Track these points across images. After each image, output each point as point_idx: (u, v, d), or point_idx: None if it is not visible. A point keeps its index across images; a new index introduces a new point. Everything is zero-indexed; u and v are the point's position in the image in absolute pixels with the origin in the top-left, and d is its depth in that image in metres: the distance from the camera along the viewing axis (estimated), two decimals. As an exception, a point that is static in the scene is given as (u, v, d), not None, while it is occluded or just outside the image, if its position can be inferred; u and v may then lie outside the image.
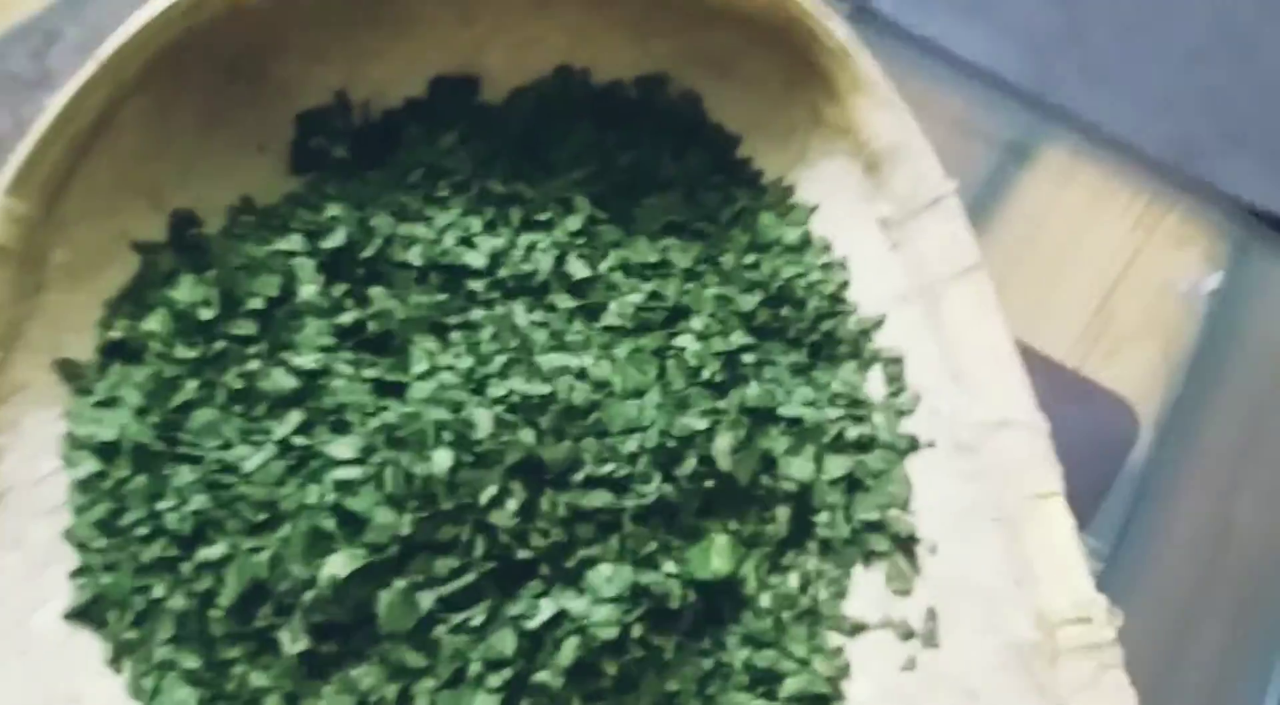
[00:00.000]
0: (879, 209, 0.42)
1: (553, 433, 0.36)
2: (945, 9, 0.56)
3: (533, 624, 0.34)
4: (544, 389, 0.36)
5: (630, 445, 0.36)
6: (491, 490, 0.34)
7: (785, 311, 0.41)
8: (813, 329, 0.41)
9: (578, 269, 0.41)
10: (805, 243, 0.43)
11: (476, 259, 0.41)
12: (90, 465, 0.37)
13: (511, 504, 0.34)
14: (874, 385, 0.41)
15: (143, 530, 0.35)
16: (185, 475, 0.36)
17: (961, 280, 0.39)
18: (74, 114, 0.36)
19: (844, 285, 0.43)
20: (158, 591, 0.35)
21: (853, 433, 0.39)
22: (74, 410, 0.37)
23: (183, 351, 0.38)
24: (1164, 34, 0.57)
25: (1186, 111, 0.55)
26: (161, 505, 0.35)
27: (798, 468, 0.38)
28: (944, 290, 0.39)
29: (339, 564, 0.33)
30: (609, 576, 0.35)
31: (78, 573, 0.36)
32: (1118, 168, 0.52)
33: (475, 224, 0.42)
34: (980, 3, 0.57)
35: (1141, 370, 0.47)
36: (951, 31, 0.55)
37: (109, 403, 0.38)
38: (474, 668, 0.34)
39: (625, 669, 0.34)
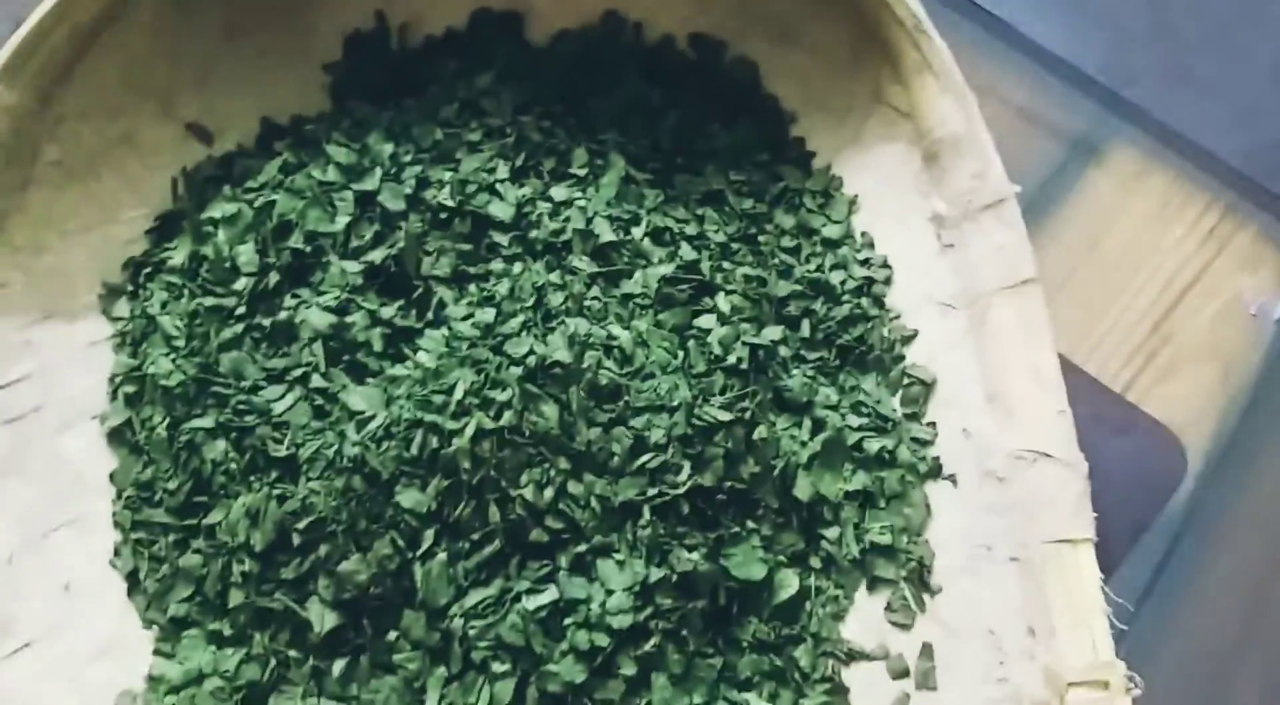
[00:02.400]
0: (933, 204, 0.38)
1: (581, 415, 0.33)
2: None
3: (538, 606, 0.32)
4: (565, 356, 0.34)
5: (658, 433, 0.33)
6: (525, 470, 0.32)
7: (818, 306, 0.38)
8: (844, 330, 0.38)
9: (605, 232, 0.38)
10: (848, 236, 0.40)
11: (503, 210, 0.38)
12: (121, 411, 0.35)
13: (549, 491, 0.32)
14: (900, 400, 0.38)
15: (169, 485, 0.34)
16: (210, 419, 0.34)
17: (1013, 294, 0.36)
18: (75, 2, 0.33)
19: (884, 287, 0.39)
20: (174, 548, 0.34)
21: (874, 446, 0.36)
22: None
23: (219, 285, 0.36)
24: (1256, 40, 0.53)
25: (1272, 124, 0.50)
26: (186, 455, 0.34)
27: (815, 475, 0.35)
28: (992, 302, 0.36)
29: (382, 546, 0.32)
30: (621, 567, 0.32)
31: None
32: (1192, 176, 0.47)
33: (504, 170, 0.39)
34: None
35: (1195, 396, 0.43)
36: (1026, 13, 0.50)
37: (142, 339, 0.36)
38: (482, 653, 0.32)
39: (641, 663, 0.32)
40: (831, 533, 0.35)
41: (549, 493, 0.32)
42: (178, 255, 0.37)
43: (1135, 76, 0.50)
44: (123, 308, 0.37)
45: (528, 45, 0.43)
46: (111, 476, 0.35)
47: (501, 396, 0.33)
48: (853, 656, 0.35)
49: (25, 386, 0.35)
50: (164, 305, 0.36)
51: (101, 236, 0.37)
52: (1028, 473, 0.34)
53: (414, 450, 0.32)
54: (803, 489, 0.35)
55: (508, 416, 0.32)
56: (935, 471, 0.36)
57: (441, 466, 0.32)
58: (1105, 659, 0.31)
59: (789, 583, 0.34)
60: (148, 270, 0.37)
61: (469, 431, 0.32)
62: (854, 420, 0.36)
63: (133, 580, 0.34)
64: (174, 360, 0.35)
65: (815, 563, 0.35)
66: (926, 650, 0.34)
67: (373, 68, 0.42)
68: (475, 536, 0.32)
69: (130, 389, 0.35)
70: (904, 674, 0.34)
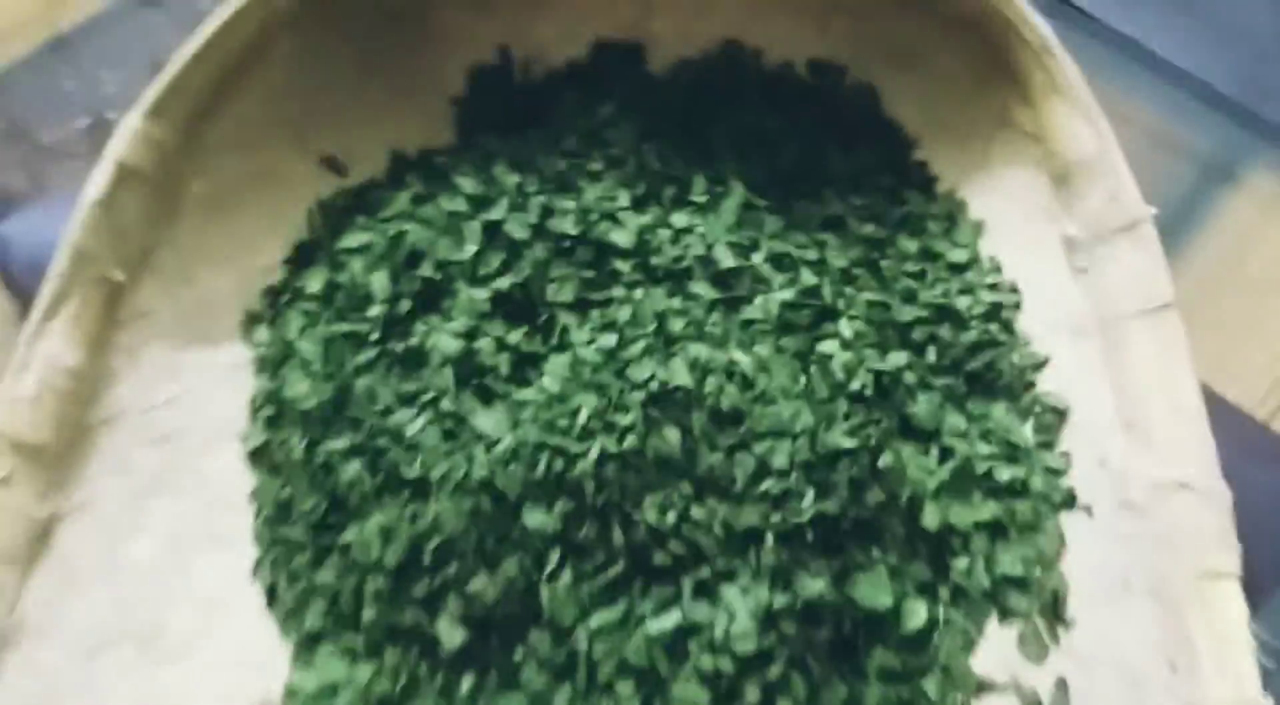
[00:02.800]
0: (1065, 228, 0.38)
1: (704, 439, 0.33)
2: (1151, 5, 0.50)
3: (661, 629, 0.32)
4: (686, 381, 0.34)
5: (780, 459, 0.33)
6: (648, 493, 0.32)
7: (944, 331, 0.37)
8: (972, 356, 0.37)
9: (725, 258, 0.38)
10: (974, 260, 0.39)
11: (624, 238, 0.38)
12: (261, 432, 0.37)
13: (672, 514, 0.32)
14: (1032, 428, 0.37)
15: (305, 504, 0.35)
16: (345, 440, 0.35)
17: (1149, 319, 0.35)
18: (221, 42, 0.35)
19: (1013, 312, 0.38)
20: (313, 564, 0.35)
21: (1004, 475, 0.35)
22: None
23: (353, 311, 0.37)
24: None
25: None
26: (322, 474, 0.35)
27: (943, 504, 0.34)
28: (1128, 328, 0.35)
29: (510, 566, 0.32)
30: (745, 592, 0.32)
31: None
32: None
33: (625, 199, 0.39)
34: (1192, 1, 0.51)
35: None
36: (1157, 31, 0.49)
37: (280, 363, 0.38)
38: (607, 673, 0.32)
39: (766, 689, 0.32)
40: (961, 563, 0.35)
41: (672, 516, 0.32)
42: (314, 283, 0.38)
43: (1273, 92, 0.48)
44: (262, 334, 0.38)
45: (648, 75, 0.44)
46: (252, 495, 0.36)
47: (624, 420, 0.33)
48: (983, 688, 0.34)
49: (171, 409, 0.36)
50: (301, 331, 0.37)
51: (243, 266, 0.39)
52: (1168, 503, 0.33)
53: (539, 472, 0.33)
54: (931, 518, 0.34)
55: (630, 440, 0.33)
56: (1069, 501, 0.35)
57: (566, 489, 0.33)
58: (1251, 696, 0.30)
59: (917, 612, 0.33)
60: (286, 298, 0.39)
61: (592, 455, 0.32)
62: (983, 448, 0.36)
63: (271, 594, 0.35)
64: (311, 384, 0.36)
65: (944, 594, 0.34)
66: (1061, 685, 0.33)
67: (497, 101, 0.43)
68: (600, 558, 0.32)
69: (269, 411, 0.37)
70: (1037, 708, 0.33)
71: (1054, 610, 0.34)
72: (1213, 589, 0.31)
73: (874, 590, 0.33)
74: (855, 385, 0.35)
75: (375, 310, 0.37)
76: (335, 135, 0.41)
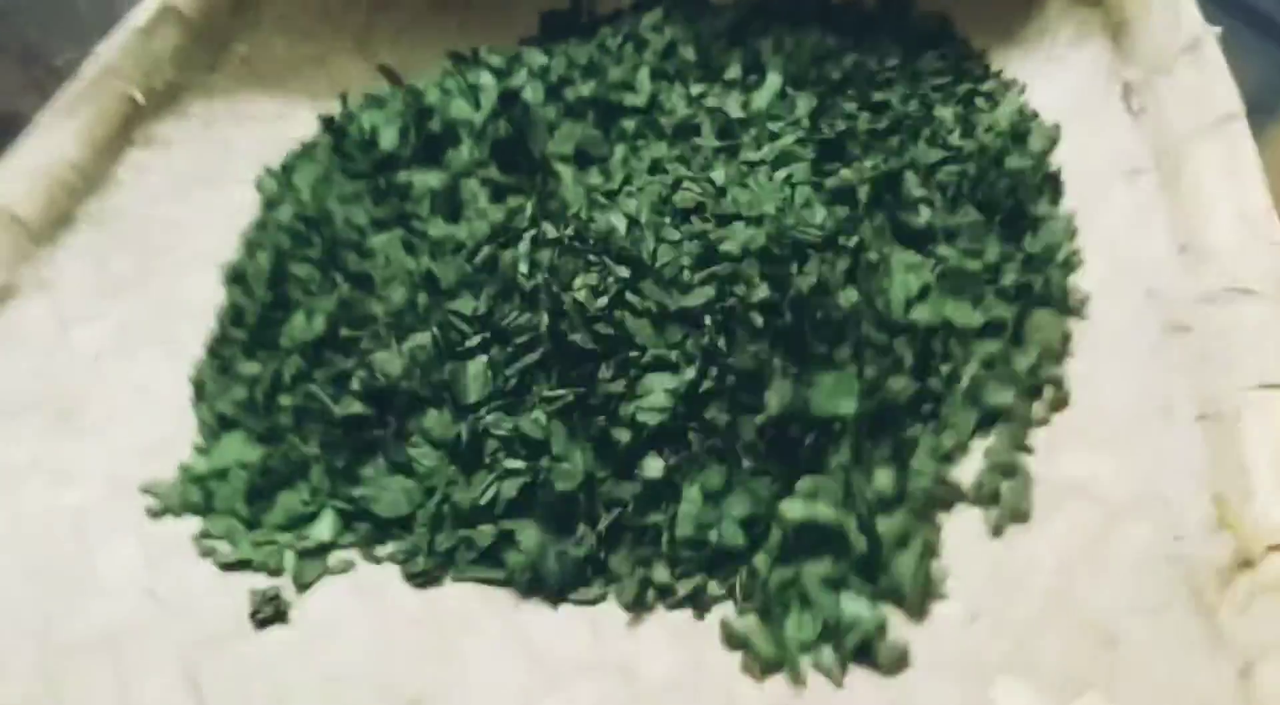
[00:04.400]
0: (1124, 75, 0.33)
1: (650, 227, 0.30)
2: None
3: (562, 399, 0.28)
4: (660, 190, 0.31)
5: (731, 245, 0.29)
6: (582, 274, 0.29)
7: (971, 170, 0.33)
8: (995, 190, 0.32)
9: (734, 111, 0.35)
10: (1018, 113, 0.35)
11: (635, 99, 0.37)
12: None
13: (604, 298, 0.29)
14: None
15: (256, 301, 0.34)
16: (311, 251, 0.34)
17: (1212, 133, 0.29)
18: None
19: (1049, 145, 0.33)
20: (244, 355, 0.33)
21: (1009, 278, 0.29)
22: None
23: (357, 154, 0.37)
24: None
25: None
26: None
27: (934, 304, 0.29)
28: (1189, 150, 0.29)
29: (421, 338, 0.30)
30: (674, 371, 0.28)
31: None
32: None
33: (645, 73, 0.38)
34: None
35: None
36: None
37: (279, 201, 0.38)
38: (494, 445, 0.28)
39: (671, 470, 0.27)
40: (946, 368, 0.28)
41: (603, 300, 0.29)
42: (327, 138, 0.38)
43: None
44: (271, 184, 0.39)
45: (705, 2, 0.43)
46: (218, 311, 0.35)
47: (570, 211, 0.30)
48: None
49: (164, 228, 0.36)
50: (305, 174, 0.37)
51: (270, 130, 0.40)
52: (1222, 315, 0.26)
53: (479, 260, 0.30)
54: (920, 314, 0.29)
55: (572, 227, 0.30)
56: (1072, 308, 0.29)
57: (499, 273, 0.30)
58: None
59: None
60: (300, 155, 0.39)
61: (529, 235, 0.30)
62: (988, 257, 0.30)
63: (199, 391, 0.33)
64: (295, 210, 0.36)
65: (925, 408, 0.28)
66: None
67: (564, 39, 0.44)
68: (520, 340, 0.29)
69: (253, 237, 0.36)
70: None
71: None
72: (1273, 402, 0.24)
73: (835, 395, 0.27)
74: (844, 187, 0.31)
75: (375, 154, 0.36)
76: (397, 51, 0.43)
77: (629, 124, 0.36)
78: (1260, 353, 0.25)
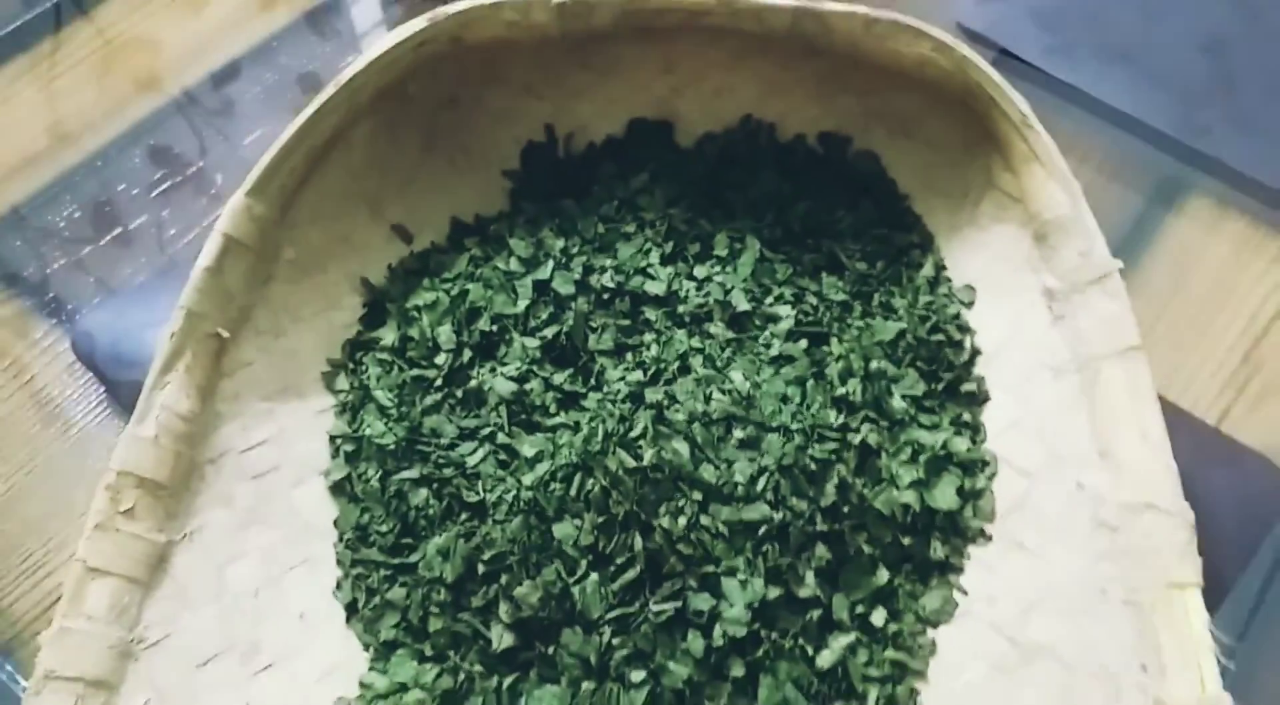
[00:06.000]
0: (1044, 280, 0.42)
1: (708, 446, 0.39)
2: (1091, 57, 0.57)
3: (663, 613, 0.37)
4: (700, 405, 0.40)
5: (769, 460, 0.39)
6: (665, 502, 0.38)
7: (920, 347, 0.43)
8: (940, 364, 0.43)
9: (740, 303, 0.43)
10: (946, 289, 0.45)
11: (656, 288, 0.44)
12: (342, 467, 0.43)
13: (682, 519, 0.38)
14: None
15: (381, 528, 0.41)
16: (415, 471, 0.41)
17: (1119, 360, 0.39)
18: (311, 130, 0.41)
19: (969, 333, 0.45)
20: (385, 582, 0.40)
21: (963, 453, 0.42)
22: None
23: (423, 360, 0.43)
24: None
25: None
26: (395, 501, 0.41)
27: (920, 492, 0.40)
28: (1101, 367, 0.40)
29: (549, 573, 0.38)
30: (743, 585, 0.38)
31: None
32: (1267, 216, 0.52)
33: (656, 256, 0.45)
34: (1127, 52, 0.57)
35: None
36: (1098, 80, 0.57)
37: (359, 407, 0.43)
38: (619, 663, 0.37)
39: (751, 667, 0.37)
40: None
41: (682, 521, 0.37)
42: (388, 336, 0.44)
43: (1205, 130, 0.54)
44: (343, 382, 0.44)
45: (677, 148, 0.49)
46: (335, 523, 0.42)
47: (637, 435, 0.39)
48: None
49: (266, 448, 0.42)
50: (377, 379, 0.43)
51: (326, 322, 0.44)
52: (1138, 522, 0.37)
53: (573, 490, 0.38)
54: (914, 500, 0.40)
55: (647, 455, 0.38)
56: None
57: (594, 503, 0.38)
58: (1213, 694, 0.34)
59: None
60: (362, 351, 0.44)
61: (611, 468, 0.38)
62: (945, 435, 0.42)
63: (351, 610, 0.40)
64: (386, 424, 0.42)
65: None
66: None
67: (544, 172, 0.49)
68: (620, 561, 0.37)
69: (349, 448, 0.42)
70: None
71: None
72: (1178, 598, 0.35)
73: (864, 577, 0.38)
74: (843, 391, 0.40)
75: (441, 358, 0.42)
76: (403, 206, 0.47)
77: (653, 315, 0.44)
78: (1165, 557, 0.36)
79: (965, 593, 0.40)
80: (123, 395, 0.48)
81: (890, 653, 0.39)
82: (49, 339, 0.52)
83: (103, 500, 0.37)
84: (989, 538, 0.41)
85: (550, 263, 0.44)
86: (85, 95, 0.59)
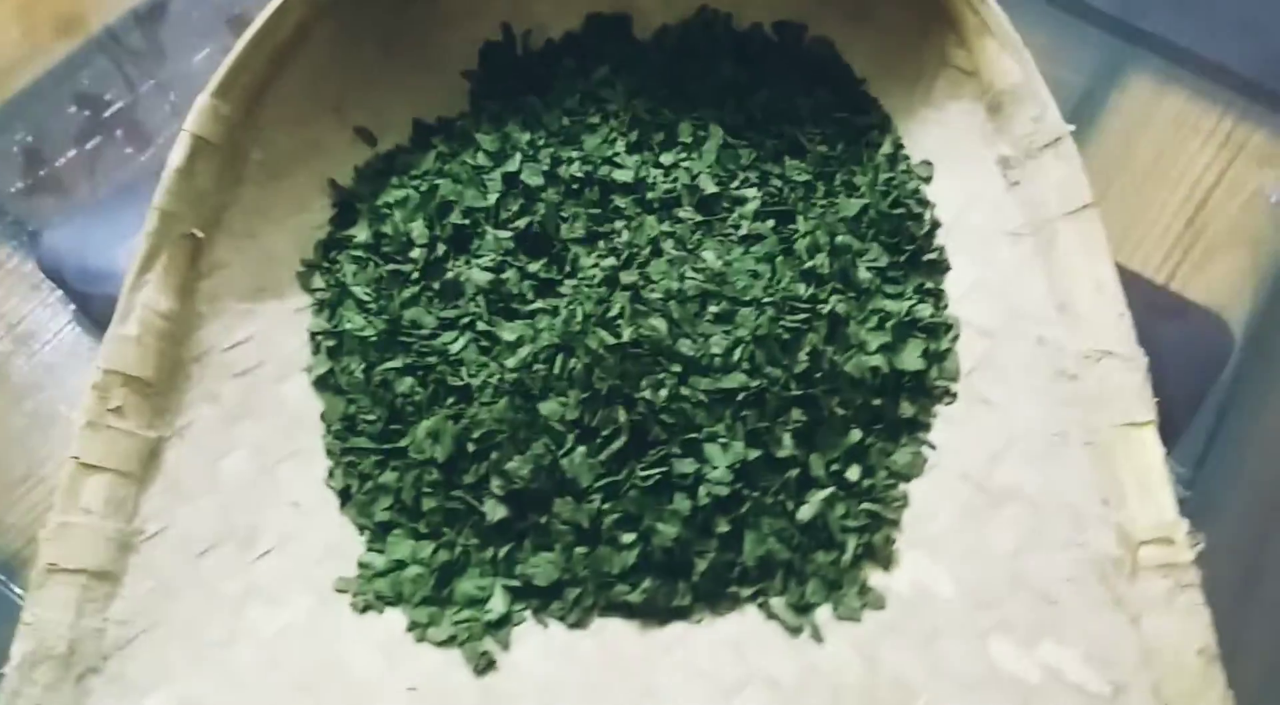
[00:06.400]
0: (999, 149, 0.44)
1: (686, 322, 0.40)
2: None
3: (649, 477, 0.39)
4: (674, 284, 0.41)
5: (745, 331, 0.40)
6: (646, 376, 0.39)
7: (884, 223, 0.45)
8: (903, 238, 0.45)
9: (708, 186, 0.44)
10: (905, 164, 0.47)
11: (624, 176, 0.45)
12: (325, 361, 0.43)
13: (663, 391, 0.39)
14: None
15: (369, 417, 0.41)
16: (399, 361, 0.42)
17: (1075, 218, 0.41)
18: (272, 30, 0.41)
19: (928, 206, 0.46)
20: (375, 467, 0.41)
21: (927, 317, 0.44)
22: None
23: (398, 255, 0.43)
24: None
25: (1272, 32, 0.57)
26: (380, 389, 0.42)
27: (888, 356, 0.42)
28: (1058, 227, 0.41)
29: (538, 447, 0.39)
30: (725, 449, 0.39)
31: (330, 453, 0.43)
32: (1206, 90, 0.55)
33: (622, 145, 0.46)
34: None
35: (1231, 280, 0.50)
36: None
37: (337, 303, 0.44)
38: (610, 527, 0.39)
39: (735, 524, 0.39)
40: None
41: (664, 392, 0.39)
42: (361, 234, 0.44)
43: (1143, 8, 0.57)
44: (318, 280, 0.44)
45: (635, 41, 0.50)
46: (322, 416, 0.42)
47: (616, 315, 0.40)
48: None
49: (249, 347, 0.42)
50: (354, 274, 0.43)
51: (298, 223, 0.45)
52: (1095, 369, 0.39)
53: (556, 370, 0.39)
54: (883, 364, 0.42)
55: (626, 332, 0.39)
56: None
57: (577, 380, 0.39)
58: (1170, 519, 0.36)
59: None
60: (336, 249, 0.45)
61: (592, 346, 0.39)
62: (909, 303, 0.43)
63: (344, 496, 0.41)
64: (366, 317, 0.42)
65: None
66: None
67: (504, 71, 0.50)
68: (606, 433, 0.39)
69: (330, 343, 0.43)
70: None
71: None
72: (1135, 435, 0.38)
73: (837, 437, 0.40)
74: (811, 264, 0.42)
75: (416, 253, 0.43)
76: (366, 109, 0.47)
77: (623, 202, 0.45)
78: (1123, 399, 0.38)
79: (934, 447, 0.42)
80: (94, 309, 0.48)
81: (866, 505, 0.40)
82: (12, 261, 0.52)
83: (91, 399, 0.37)
84: (954, 396, 0.43)
85: (518, 155, 0.45)
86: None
